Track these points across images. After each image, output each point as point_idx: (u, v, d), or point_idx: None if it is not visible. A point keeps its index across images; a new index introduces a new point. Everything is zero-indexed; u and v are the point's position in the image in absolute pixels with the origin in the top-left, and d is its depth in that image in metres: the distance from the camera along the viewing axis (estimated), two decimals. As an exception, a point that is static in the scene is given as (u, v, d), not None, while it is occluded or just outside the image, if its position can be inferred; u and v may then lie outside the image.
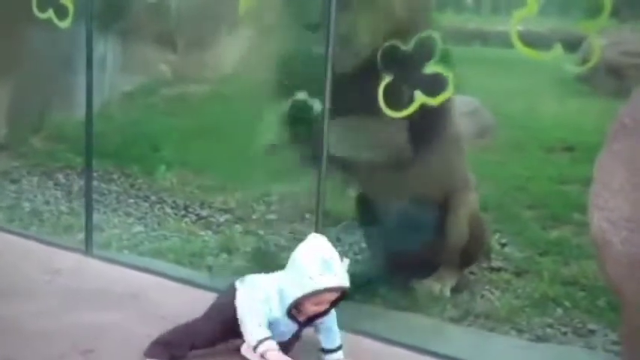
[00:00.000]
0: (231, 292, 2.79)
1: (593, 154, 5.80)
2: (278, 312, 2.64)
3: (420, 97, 2.94)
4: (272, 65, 4.36)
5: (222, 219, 4.90)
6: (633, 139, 1.95)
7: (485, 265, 4.26)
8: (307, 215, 4.94)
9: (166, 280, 3.72)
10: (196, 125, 6.20)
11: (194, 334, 2.77)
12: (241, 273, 4.11)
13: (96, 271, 3.82)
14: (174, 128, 6.27)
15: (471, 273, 4.18)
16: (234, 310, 2.71)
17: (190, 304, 3.37)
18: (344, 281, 2.56)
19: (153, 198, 5.18)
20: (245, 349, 2.78)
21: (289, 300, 2.58)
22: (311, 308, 2.60)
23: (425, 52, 2.93)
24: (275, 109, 6.02)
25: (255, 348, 2.62)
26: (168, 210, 5.01)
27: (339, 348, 2.79)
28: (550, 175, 5.76)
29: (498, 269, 4.24)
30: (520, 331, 3.59)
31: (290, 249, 4.40)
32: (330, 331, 2.76)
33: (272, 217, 4.93)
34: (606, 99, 6.90)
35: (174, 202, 5.12)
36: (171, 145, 6.09)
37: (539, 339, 3.54)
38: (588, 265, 4.25)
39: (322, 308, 2.60)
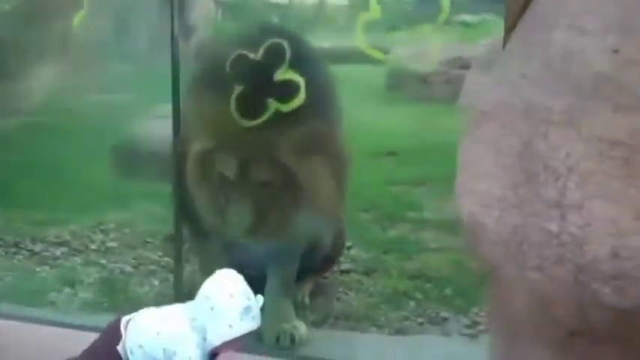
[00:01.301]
0: (111, 336, 2.62)
1: (414, 156, 6.12)
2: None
3: (272, 104, 2.96)
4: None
5: (58, 252, 4.65)
6: (496, 124, 2.08)
7: (335, 268, 4.34)
8: (149, 239, 4.82)
9: (15, 322, 3.47)
10: (15, 159, 5.84)
11: None
12: (89, 305, 4.00)
13: None
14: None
15: (323, 277, 4.25)
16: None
17: (47, 342, 3.21)
18: (259, 320, 2.50)
19: (-22, 238, 4.81)
20: None
21: (207, 346, 2.48)
22: (224, 348, 2.52)
23: (275, 59, 2.95)
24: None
25: None
26: (-2, 249, 4.68)
27: None
28: (379, 179, 5.99)
29: (348, 271, 4.35)
30: (380, 327, 3.71)
31: (137, 275, 4.33)
32: None
33: (112, 244, 4.73)
34: (416, 104, 7.36)
35: (1, 240, 4.79)
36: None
37: (399, 332, 3.68)
38: (429, 259, 4.49)
39: (235, 345, 2.53)
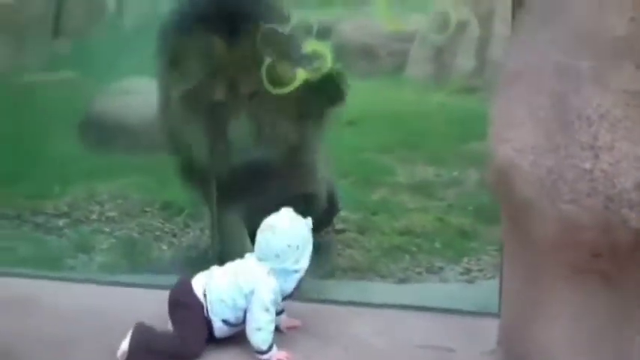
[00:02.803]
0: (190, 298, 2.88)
1: (372, 125, 6.46)
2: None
3: (301, 74, 3.28)
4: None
5: (60, 223, 4.84)
6: (528, 82, 2.46)
7: (329, 228, 4.69)
8: (147, 208, 5.06)
9: (49, 282, 3.68)
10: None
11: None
12: (109, 267, 4.23)
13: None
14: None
15: (320, 237, 4.59)
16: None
17: (88, 297, 3.44)
18: None
19: (-23, 213, 4.96)
20: None
21: (302, 271, 2.80)
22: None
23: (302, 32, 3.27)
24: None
25: (263, 353, 2.79)
26: (1, 221, 4.83)
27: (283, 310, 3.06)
28: (346, 147, 6.34)
29: (343, 230, 4.70)
30: (384, 277, 4.08)
31: (145, 240, 4.58)
32: None
33: (112, 214, 4.95)
34: (364, 78, 7.70)
35: (3, 213, 4.95)
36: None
37: (402, 281, 4.05)
38: (413, 218, 4.89)
39: None
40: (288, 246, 2.76)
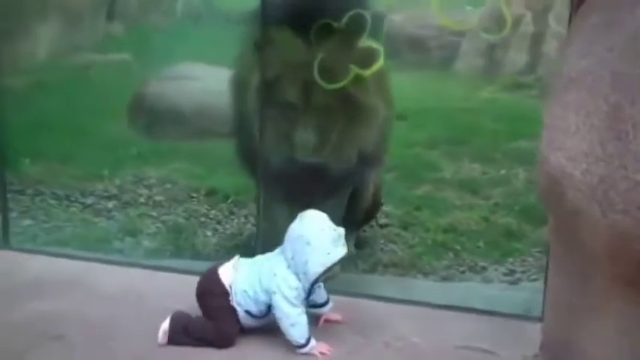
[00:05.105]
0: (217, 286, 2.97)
1: (421, 120, 6.43)
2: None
3: (354, 70, 3.28)
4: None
5: (110, 205, 4.92)
6: (583, 90, 2.42)
7: (372, 223, 4.69)
8: (193, 194, 5.12)
9: (95, 264, 3.76)
10: (36, 116, 6.03)
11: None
12: (155, 252, 4.29)
13: (16, 264, 3.77)
14: (13, 121, 6.05)
15: (363, 231, 4.60)
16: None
17: (131, 281, 3.51)
18: (346, 248, 2.88)
19: (29, 191, 5.05)
20: None
21: (311, 276, 2.85)
22: (325, 275, 2.89)
23: (357, 28, 3.27)
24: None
25: (302, 346, 2.87)
26: (51, 201, 4.93)
27: (328, 300, 3.10)
28: (394, 141, 6.32)
29: (386, 225, 4.70)
30: (426, 274, 4.07)
31: (190, 228, 4.63)
32: (321, 287, 3.05)
33: (159, 198, 5.02)
34: (414, 70, 7.65)
35: (53, 192, 5.04)
36: (21, 138, 5.89)
37: (444, 279, 4.04)
38: (457, 215, 4.85)
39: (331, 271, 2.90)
40: (301, 236, 2.82)
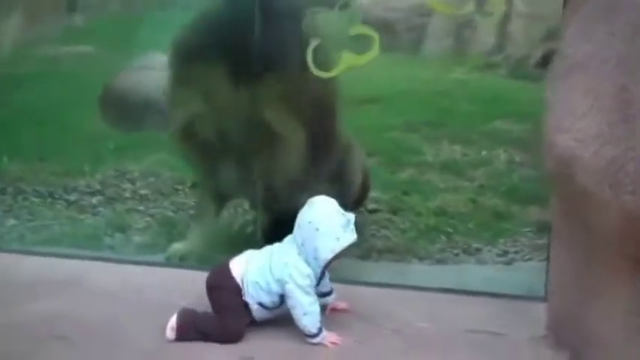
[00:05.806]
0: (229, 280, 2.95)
1: (395, 103, 6.43)
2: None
3: (347, 57, 3.27)
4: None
5: (94, 201, 4.86)
6: (589, 73, 2.45)
7: (361, 208, 4.69)
8: (178, 187, 5.07)
9: (88, 262, 3.72)
10: (9, 111, 5.90)
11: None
12: (147, 247, 4.25)
13: (6, 265, 3.70)
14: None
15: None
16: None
17: (128, 277, 3.47)
18: (356, 233, 2.86)
19: (10, 189, 4.96)
20: None
21: (321, 262, 2.84)
22: (335, 259, 2.89)
23: (349, 14, 3.25)
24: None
25: (314, 336, 2.87)
26: (34, 199, 4.85)
27: (332, 289, 3.10)
28: (371, 125, 6.32)
29: (375, 210, 4.70)
30: (421, 258, 4.09)
31: (180, 219, 4.58)
32: (325, 276, 3.05)
33: (144, 192, 4.96)
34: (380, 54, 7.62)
35: (34, 190, 4.96)
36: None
37: (439, 262, 4.07)
38: (445, 198, 4.88)
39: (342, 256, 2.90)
40: (310, 222, 2.83)
